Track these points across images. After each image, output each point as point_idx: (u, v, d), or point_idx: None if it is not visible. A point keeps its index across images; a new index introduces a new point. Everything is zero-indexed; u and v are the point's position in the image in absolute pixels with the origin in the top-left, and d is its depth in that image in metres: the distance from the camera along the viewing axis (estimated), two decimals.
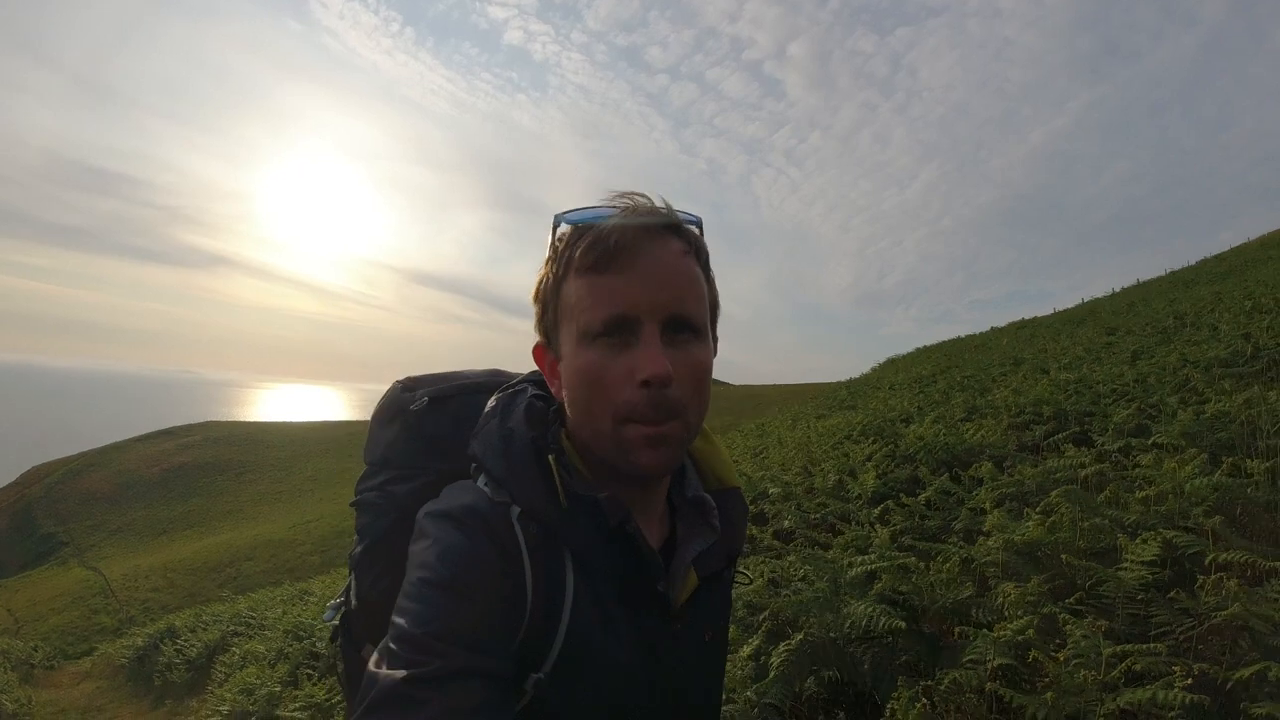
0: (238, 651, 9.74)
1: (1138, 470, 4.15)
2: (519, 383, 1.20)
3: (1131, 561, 2.92)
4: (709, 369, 1.02)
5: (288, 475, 44.93)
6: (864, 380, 23.99)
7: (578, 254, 0.98)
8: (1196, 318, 10.88)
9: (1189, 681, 2.17)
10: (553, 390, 1.09)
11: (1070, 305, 24.84)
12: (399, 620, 0.88)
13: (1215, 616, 2.51)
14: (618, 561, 1.01)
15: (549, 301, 1.04)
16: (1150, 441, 4.78)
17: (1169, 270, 24.59)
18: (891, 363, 25.92)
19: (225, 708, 7.37)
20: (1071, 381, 7.89)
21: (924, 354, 24.84)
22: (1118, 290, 24.30)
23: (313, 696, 6.34)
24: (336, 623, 1.33)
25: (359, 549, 1.27)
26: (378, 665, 0.86)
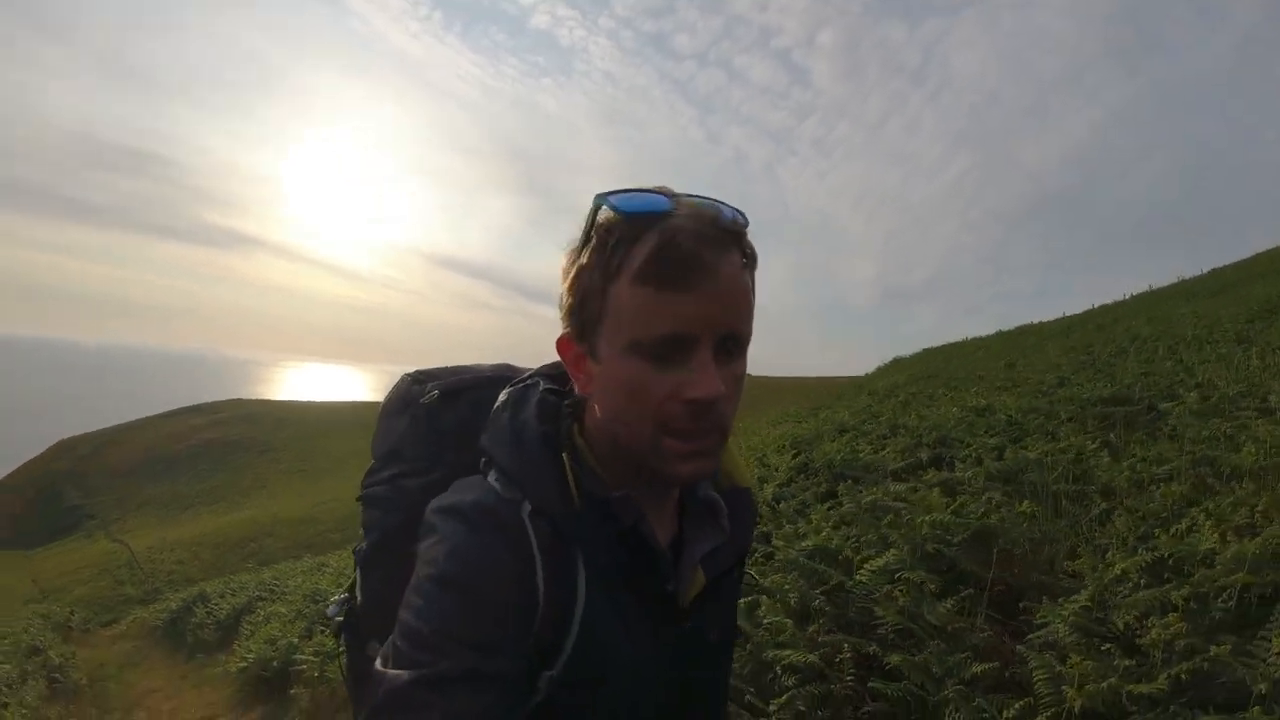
0: (262, 613, 10.92)
1: (921, 499, 4.97)
2: (530, 377, 1.18)
3: (865, 570, 3.90)
4: (744, 380, 1.02)
5: (311, 454, 45.64)
6: (862, 381, 24.17)
7: (639, 260, 0.92)
8: (1145, 343, 11.41)
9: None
10: (576, 384, 1.06)
11: (1078, 311, 24.87)
12: (406, 617, 0.89)
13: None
14: (628, 560, 1.01)
15: (590, 298, 0.97)
16: (960, 475, 5.56)
17: (1180, 278, 24.44)
18: (896, 363, 25.91)
19: (252, 655, 8.62)
20: (971, 411, 8.44)
21: (925, 356, 24.87)
22: (1127, 297, 24.35)
23: (323, 645, 7.51)
24: (341, 619, 1.34)
25: (366, 545, 1.27)
26: (384, 664, 0.87)
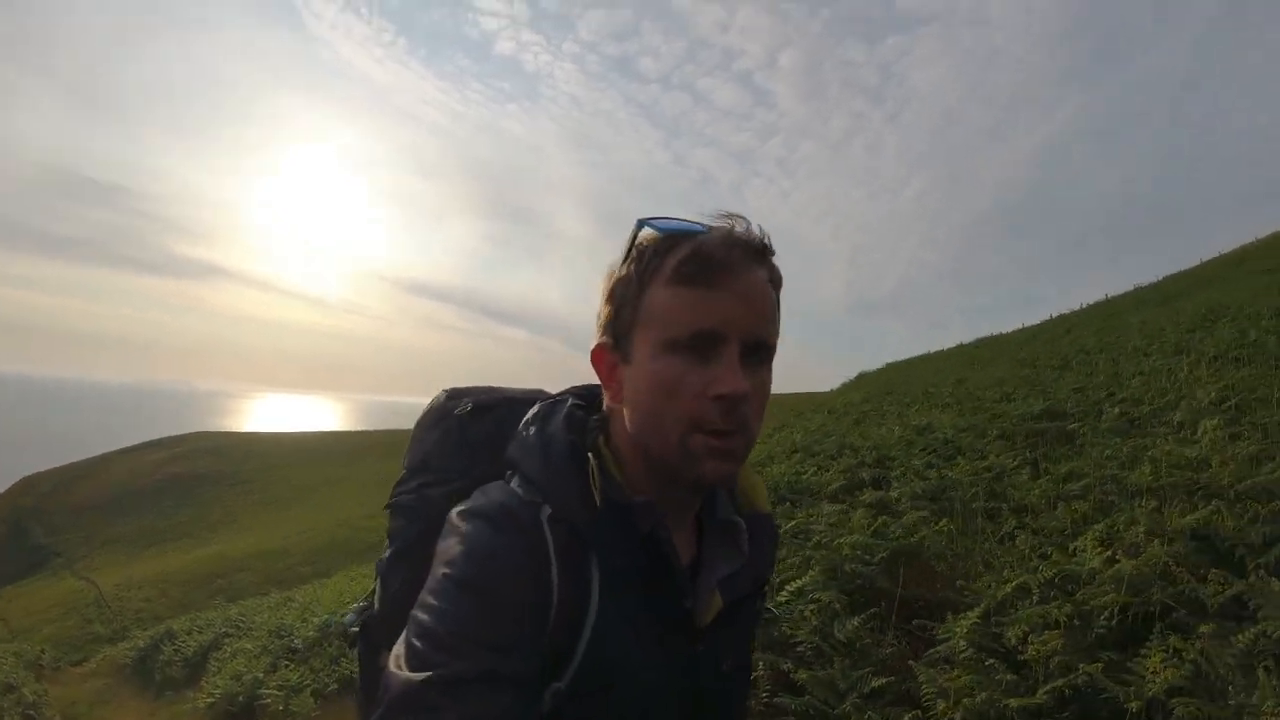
0: (229, 649, 11.07)
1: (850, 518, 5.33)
2: (561, 394, 1.22)
3: (785, 592, 4.18)
4: (770, 393, 1.05)
5: (280, 486, 45.01)
6: (826, 398, 24.41)
7: (673, 263, 0.99)
8: (1089, 356, 11.70)
9: None
10: (608, 394, 1.10)
11: (1036, 321, 25.22)
12: (421, 616, 0.89)
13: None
14: (644, 571, 1.02)
15: (626, 304, 1.03)
16: (891, 495, 5.89)
17: (1135, 286, 24.86)
18: (860, 378, 26.07)
19: (219, 691, 8.79)
20: (913, 430, 8.75)
21: (889, 371, 25.15)
22: (1083, 307, 24.59)
23: (287, 680, 7.79)
24: (357, 629, 1.34)
25: (389, 552, 1.28)
26: (397, 665, 0.86)
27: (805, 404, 24.32)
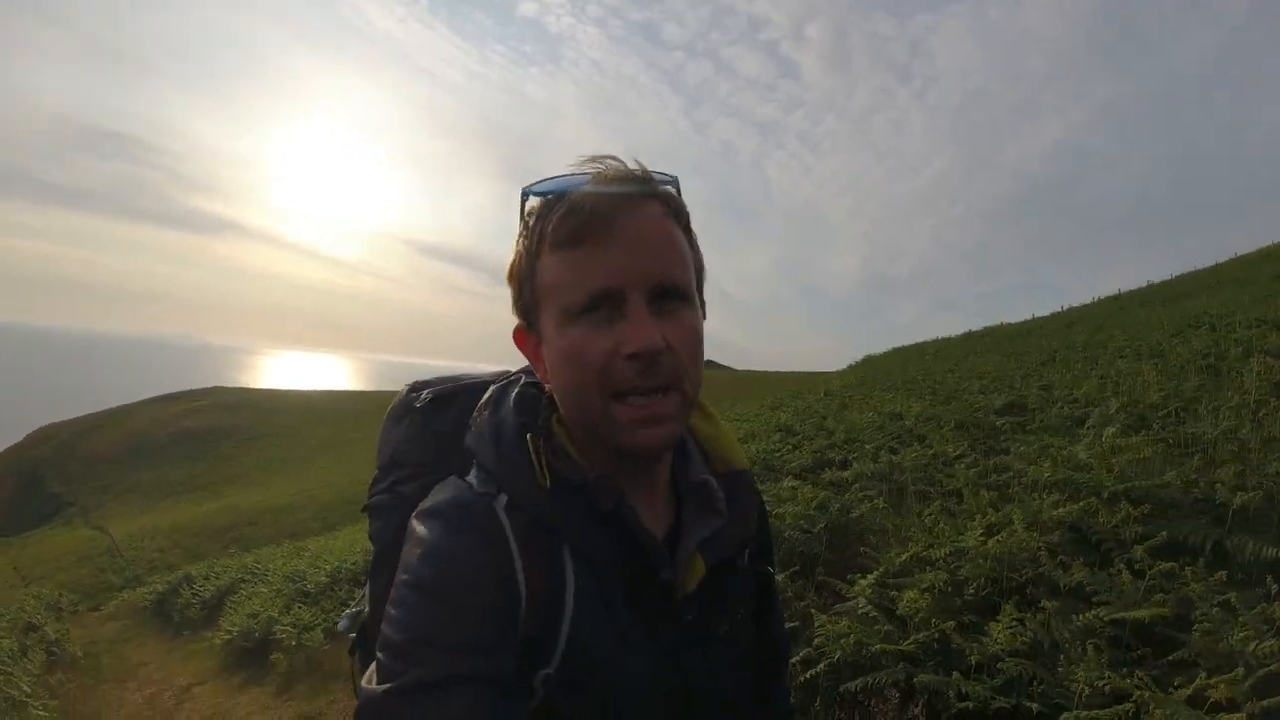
0: (245, 592, 11.90)
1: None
2: (514, 374, 1.20)
3: None
4: (700, 335, 1.00)
5: (293, 442, 45.78)
6: (828, 379, 24.38)
7: (550, 228, 0.95)
8: (1073, 353, 11.92)
9: None
10: (539, 375, 1.07)
11: (1045, 313, 24.87)
12: (384, 627, 0.89)
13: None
14: (616, 549, 1.00)
15: (525, 281, 1.01)
16: (846, 475, 6.50)
17: (1148, 283, 24.27)
18: (866, 361, 25.82)
19: (235, 629, 9.65)
20: (886, 416, 9.21)
21: (893, 355, 24.93)
22: (1096, 299, 24.25)
23: (300, 618, 8.66)
24: (354, 634, 1.33)
25: (372, 554, 1.26)
26: (367, 679, 0.88)
27: (807, 384, 24.50)
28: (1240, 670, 2.38)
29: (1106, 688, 2.61)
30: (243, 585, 12.61)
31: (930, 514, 4.93)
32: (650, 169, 0.99)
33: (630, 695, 1.00)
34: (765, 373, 47.47)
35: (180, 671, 9.76)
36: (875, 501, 5.43)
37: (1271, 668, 2.37)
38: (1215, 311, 12.33)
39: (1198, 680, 2.44)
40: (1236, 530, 3.34)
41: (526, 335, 1.06)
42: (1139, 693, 2.44)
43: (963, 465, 6.13)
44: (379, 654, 0.88)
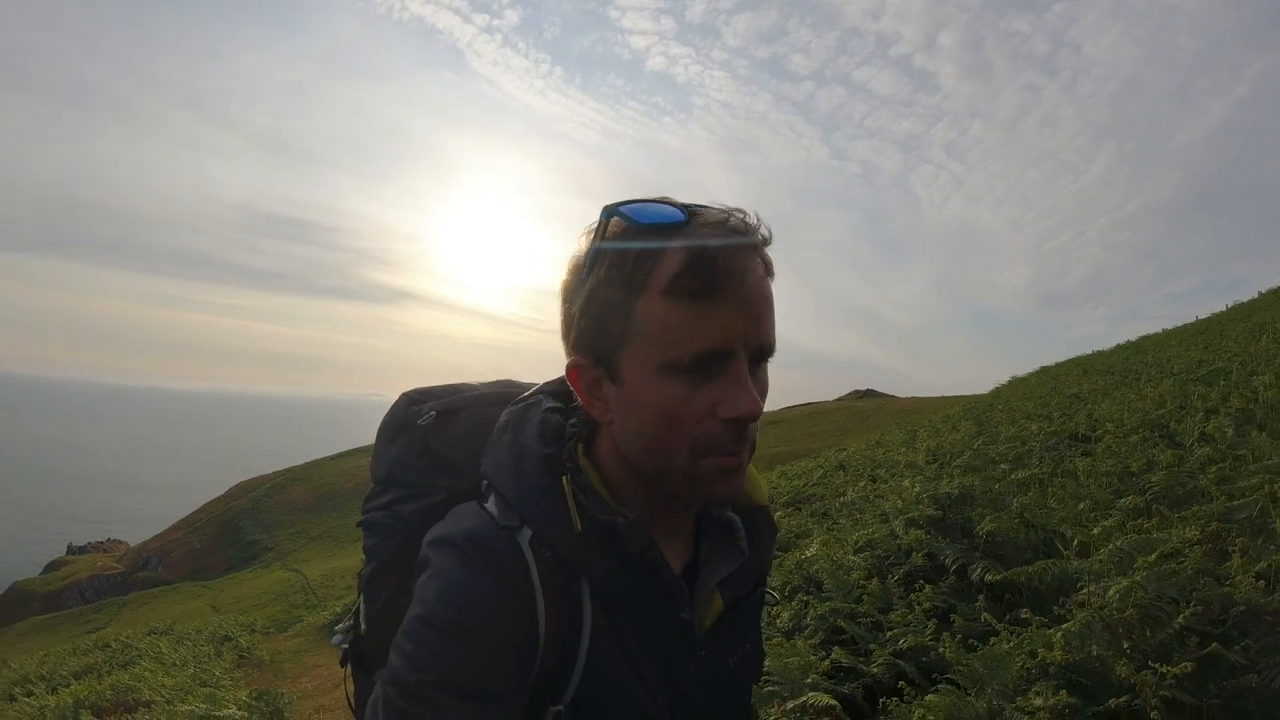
0: None
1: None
2: (532, 395, 1.15)
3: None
4: (767, 390, 0.98)
5: None
6: (976, 400, 23.36)
7: (668, 272, 0.87)
8: (1166, 375, 10.24)
9: None
10: (593, 412, 1.00)
11: (1205, 314, 21.00)
12: (396, 662, 0.88)
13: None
14: (638, 589, 0.98)
15: (610, 318, 0.92)
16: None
17: None
18: (1013, 382, 23.44)
19: None
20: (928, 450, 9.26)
21: (1040, 376, 22.07)
22: (1260, 294, 20.44)
23: None
24: (346, 647, 1.31)
25: (367, 570, 1.23)
26: (374, 713, 0.88)
27: (944, 408, 23.82)
28: None
29: None
30: None
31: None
32: (747, 212, 0.94)
33: None
34: (929, 398, 46.09)
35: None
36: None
37: None
38: None
39: None
40: None
41: (586, 372, 0.98)
42: None
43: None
44: (388, 688, 0.88)
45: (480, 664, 0.87)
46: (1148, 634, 2.71)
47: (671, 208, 0.91)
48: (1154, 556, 3.06)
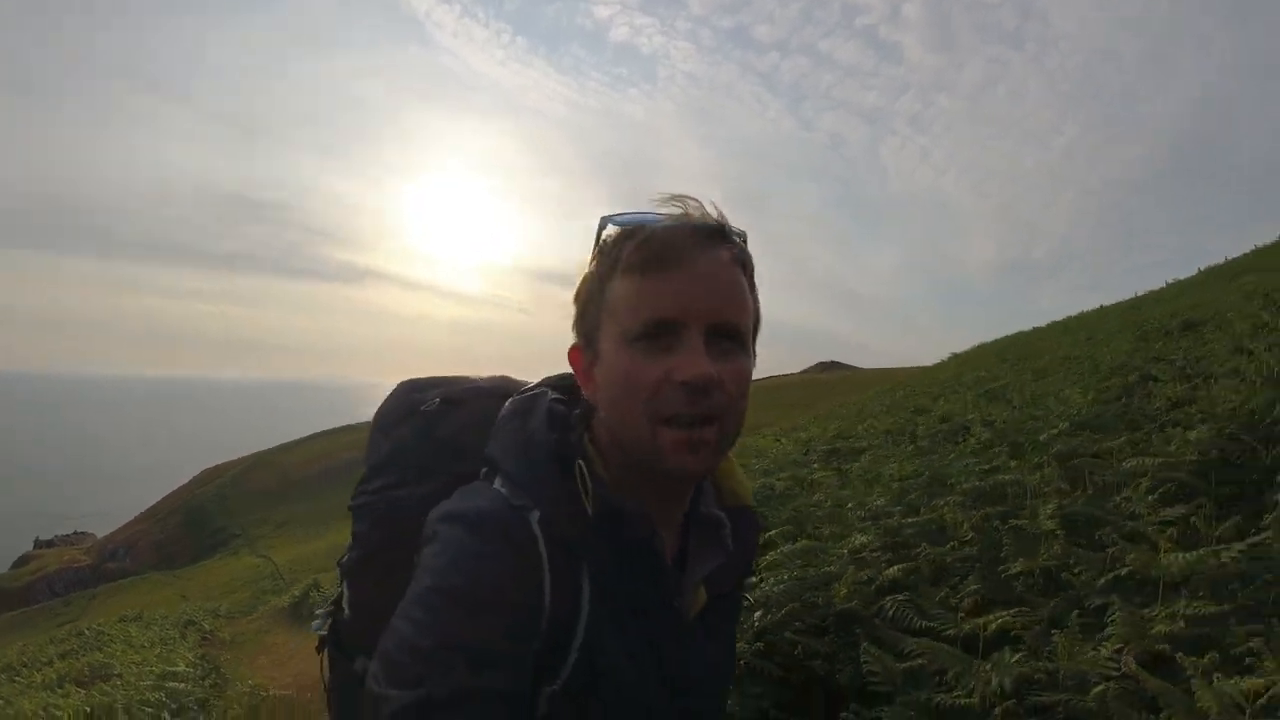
0: None
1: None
2: (536, 387, 1.20)
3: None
4: (748, 378, 1.03)
5: None
6: (921, 374, 23.41)
7: (625, 253, 0.99)
8: (1069, 361, 10.48)
9: None
10: (586, 393, 1.08)
11: (1126, 296, 20.87)
12: (406, 630, 0.89)
13: None
14: (634, 574, 1.02)
15: (591, 301, 1.04)
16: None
17: (1255, 247, 19.39)
18: (955, 358, 22.87)
19: None
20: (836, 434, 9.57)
21: (978, 353, 21.70)
22: (1230, 259, 19.43)
23: None
24: (324, 632, 1.33)
25: (354, 555, 1.25)
26: (379, 682, 0.87)
27: (886, 380, 24.32)
28: None
29: None
30: None
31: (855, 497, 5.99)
32: (726, 218, 1.04)
33: (632, 712, 1.02)
34: (891, 369, 47.08)
35: (308, 647, 11.60)
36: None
37: None
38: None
39: None
40: None
41: (582, 353, 1.07)
42: None
43: (892, 465, 6.35)
44: (397, 656, 0.88)
45: (491, 632, 0.89)
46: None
47: (652, 213, 1.02)
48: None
